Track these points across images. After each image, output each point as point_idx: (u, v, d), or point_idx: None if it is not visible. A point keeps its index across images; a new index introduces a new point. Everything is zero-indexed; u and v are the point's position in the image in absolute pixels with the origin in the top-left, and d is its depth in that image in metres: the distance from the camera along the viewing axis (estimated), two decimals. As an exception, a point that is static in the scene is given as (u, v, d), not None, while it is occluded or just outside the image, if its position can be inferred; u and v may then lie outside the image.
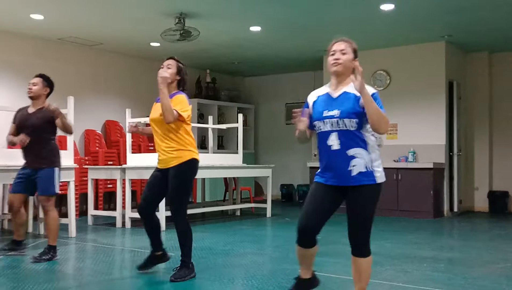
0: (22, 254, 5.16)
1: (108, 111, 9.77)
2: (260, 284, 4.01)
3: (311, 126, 3.16)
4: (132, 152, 7.86)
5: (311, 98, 3.21)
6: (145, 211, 4.18)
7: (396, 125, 9.36)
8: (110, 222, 7.57)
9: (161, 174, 4.12)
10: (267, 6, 7.04)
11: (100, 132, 9.52)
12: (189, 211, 7.61)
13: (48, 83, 5.16)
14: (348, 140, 2.96)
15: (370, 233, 3.07)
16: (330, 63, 3.09)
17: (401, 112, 9.27)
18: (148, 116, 9.24)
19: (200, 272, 4.34)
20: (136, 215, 7.39)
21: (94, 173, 7.69)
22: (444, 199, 8.98)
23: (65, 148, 6.60)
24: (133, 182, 8.62)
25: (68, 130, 5.12)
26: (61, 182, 7.43)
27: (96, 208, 8.13)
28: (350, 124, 2.95)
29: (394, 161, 9.09)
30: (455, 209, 9.22)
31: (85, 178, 8.15)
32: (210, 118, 9.05)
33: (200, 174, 7.69)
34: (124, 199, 7.33)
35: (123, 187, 7.39)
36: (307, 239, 3.18)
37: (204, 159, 7.99)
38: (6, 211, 7.05)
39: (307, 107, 3.20)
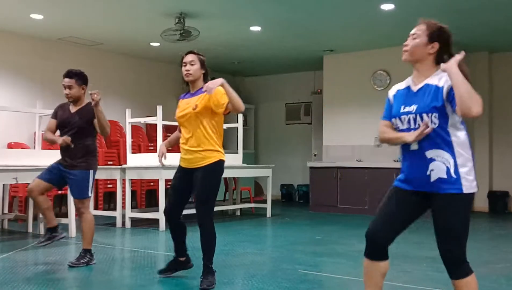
0: (62, 238, 4.91)
1: (108, 111, 9.69)
2: (260, 284, 4.01)
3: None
4: (132, 152, 7.86)
5: (391, 92, 2.75)
6: (172, 215, 4.01)
7: (396, 125, 9.35)
8: (110, 222, 7.57)
9: (185, 175, 3.93)
10: (267, 6, 7.04)
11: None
12: (189, 211, 7.62)
13: (82, 80, 4.83)
14: (427, 139, 2.47)
15: (464, 248, 2.50)
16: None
17: (401, 112, 9.27)
18: (148, 116, 9.22)
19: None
20: (136, 215, 7.45)
21: (94, 173, 7.68)
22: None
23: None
24: (133, 182, 8.62)
25: (103, 129, 4.82)
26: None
27: (96, 208, 8.12)
28: (429, 119, 2.46)
29: (394, 161, 9.09)
30: (455, 209, 9.21)
31: (85, 178, 8.13)
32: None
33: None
34: (124, 199, 7.33)
35: (123, 187, 7.39)
36: (375, 249, 2.62)
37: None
38: (6, 211, 7.05)
39: (389, 102, 2.74)
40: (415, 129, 2.51)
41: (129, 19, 7.69)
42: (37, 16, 7.45)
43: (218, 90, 3.86)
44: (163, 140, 7.17)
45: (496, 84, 9.86)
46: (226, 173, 8.39)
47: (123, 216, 7.31)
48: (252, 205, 9.16)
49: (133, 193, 8.81)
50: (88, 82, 4.90)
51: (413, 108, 2.54)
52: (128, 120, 7.75)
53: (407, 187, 2.59)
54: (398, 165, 8.87)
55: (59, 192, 8.06)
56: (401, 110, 2.59)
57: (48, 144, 5.17)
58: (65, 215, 6.86)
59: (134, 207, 8.66)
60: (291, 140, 12.11)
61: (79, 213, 4.78)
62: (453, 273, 2.52)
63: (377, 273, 2.63)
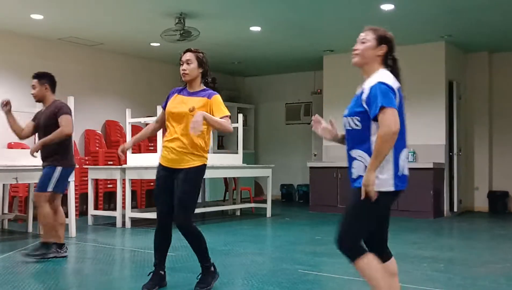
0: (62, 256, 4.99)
1: (108, 111, 9.77)
2: (260, 284, 4.01)
3: None
4: (132, 152, 7.87)
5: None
6: (166, 215, 3.76)
7: (396, 125, 9.35)
8: (110, 222, 7.57)
9: (168, 174, 3.78)
10: (267, 6, 7.04)
11: (100, 132, 9.52)
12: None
13: (44, 78, 5.10)
14: (351, 140, 2.71)
15: (351, 234, 2.67)
16: None
17: (401, 112, 9.26)
18: (148, 116, 9.22)
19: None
20: (136, 215, 7.45)
21: (94, 173, 7.69)
22: (444, 199, 8.98)
23: (65, 148, 6.60)
24: (133, 182, 8.62)
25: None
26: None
27: (96, 208, 8.13)
28: (354, 123, 2.68)
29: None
30: (455, 209, 9.22)
31: (85, 178, 8.15)
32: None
33: (200, 174, 7.72)
34: (124, 199, 7.33)
35: (123, 187, 7.39)
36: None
37: (204, 159, 8.00)
38: (6, 211, 7.06)
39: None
40: (347, 130, 2.73)
41: (129, 19, 7.69)
42: (37, 16, 7.45)
43: (220, 101, 3.81)
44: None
45: (496, 84, 9.86)
46: (226, 173, 8.49)
47: (123, 216, 7.32)
48: (252, 205, 9.16)
49: (133, 193, 8.81)
50: (54, 82, 5.18)
51: (346, 111, 2.76)
52: (128, 120, 7.75)
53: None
54: (398, 165, 8.87)
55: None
56: (345, 112, 2.77)
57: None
58: (65, 215, 6.85)
59: (134, 207, 8.66)
60: (291, 140, 12.11)
61: (35, 206, 5.02)
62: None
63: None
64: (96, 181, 8.40)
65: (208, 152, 3.92)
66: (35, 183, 6.54)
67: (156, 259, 3.83)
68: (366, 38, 2.78)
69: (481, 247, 5.99)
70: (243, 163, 8.57)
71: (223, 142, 12.05)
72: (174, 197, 3.71)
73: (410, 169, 2.76)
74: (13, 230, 6.97)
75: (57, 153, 4.93)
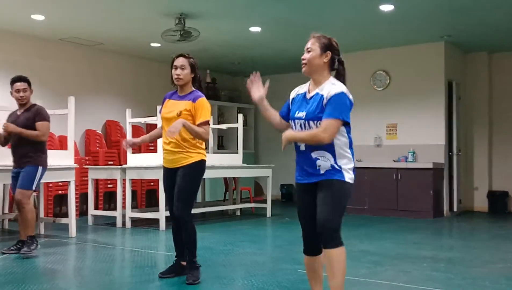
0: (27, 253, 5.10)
1: (108, 111, 9.78)
2: (260, 284, 4.02)
3: (287, 120, 3.16)
4: (132, 152, 7.87)
5: (292, 94, 3.17)
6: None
7: (395, 125, 9.37)
8: (110, 222, 7.58)
9: (171, 175, 4.06)
10: (267, 6, 7.04)
11: (100, 132, 9.53)
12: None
13: (30, 83, 5.32)
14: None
15: (338, 222, 2.90)
16: None
17: (401, 112, 9.28)
18: (148, 116, 9.22)
19: (206, 271, 4.35)
20: (136, 215, 7.45)
21: (95, 173, 7.70)
22: (443, 199, 8.98)
23: (66, 148, 6.62)
24: (133, 182, 8.62)
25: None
26: (61, 182, 7.49)
27: (96, 208, 8.13)
28: (315, 126, 2.87)
29: (394, 161, 9.10)
30: (455, 209, 9.23)
31: (85, 178, 8.16)
32: (210, 118, 9.04)
33: (200, 174, 7.72)
34: (124, 199, 7.33)
35: (123, 187, 7.39)
36: (310, 245, 3.08)
37: (204, 159, 8.00)
38: (6, 211, 7.06)
39: (288, 103, 3.19)
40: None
41: (129, 19, 7.70)
42: (38, 17, 7.46)
43: (203, 105, 4.01)
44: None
45: (496, 84, 9.87)
46: (226, 173, 8.50)
47: (123, 216, 7.32)
48: (252, 205, 9.17)
49: (133, 193, 8.82)
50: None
51: (303, 114, 2.93)
52: (128, 120, 7.75)
53: (303, 181, 3.01)
54: (397, 165, 8.88)
55: (59, 192, 8.08)
56: (295, 115, 3.00)
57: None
58: (66, 215, 6.87)
59: (134, 207, 8.67)
60: (291, 140, 12.09)
61: (20, 205, 5.09)
62: (325, 243, 2.89)
63: (318, 266, 3.11)
64: (96, 181, 8.41)
65: (206, 149, 4.12)
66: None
67: (176, 251, 4.20)
68: (311, 48, 2.96)
69: (481, 247, 6.00)
70: (243, 163, 8.57)
71: (223, 142, 12.06)
72: None
73: (410, 169, 2.91)
74: (13, 230, 6.97)
75: (37, 153, 5.16)
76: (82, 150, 9.25)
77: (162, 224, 6.92)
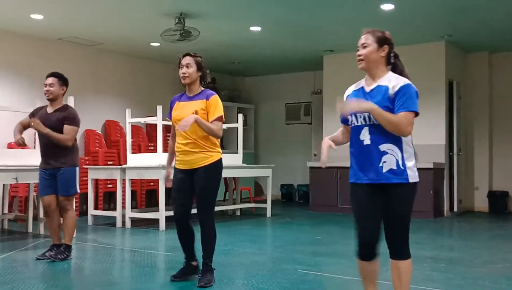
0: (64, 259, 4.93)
1: (108, 111, 9.77)
2: (260, 284, 4.01)
3: (345, 121, 2.99)
4: (132, 152, 7.87)
5: (346, 93, 3.04)
6: (182, 217, 3.97)
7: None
8: (110, 222, 7.57)
9: (186, 176, 3.93)
10: (267, 6, 7.04)
11: (100, 132, 9.52)
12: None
13: (64, 81, 5.05)
14: (379, 135, 2.76)
15: (407, 234, 2.82)
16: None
17: (401, 112, 9.27)
18: (148, 116, 9.20)
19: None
20: (136, 215, 7.44)
21: (94, 173, 7.69)
22: (444, 199, 8.98)
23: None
24: (133, 182, 8.61)
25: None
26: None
27: (96, 208, 8.13)
28: None
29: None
30: (455, 209, 9.22)
31: (85, 178, 8.14)
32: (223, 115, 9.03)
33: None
34: (124, 199, 7.33)
35: (123, 187, 7.38)
36: (367, 249, 2.91)
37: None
38: (6, 211, 7.06)
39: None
40: (369, 125, 2.77)
41: (129, 19, 7.69)
42: (37, 16, 7.45)
43: (216, 102, 3.97)
44: (163, 140, 7.18)
45: (496, 84, 9.86)
46: (226, 173, 8.48)
47: (123, 216, 7.31)
48: (252, 205, 9.16)
49: (133, 193, 8.81)
50: (68, 85, 5.10)
51: None
52: (128, 120, 7.75)
53: (362, 181, 2.82)
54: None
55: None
56: None
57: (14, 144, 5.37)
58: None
59: (134, 207, 8.66)
60: (291, 140, 12.11)
61: (63, 210, 4.92)
62: (395, 255, 2.82)
63: (372, 271, 2.95)
64: (96, 181, 8.40)
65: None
66: (35, 183, 6.57)
67: (184, 254, 4.10)
68: (367, 42, 2.87)
69: (481, 247, 5.99)
70: (243, 163, 8.57)
71: (223, 142, 12.05)
72: (190, 197, 3.96)
73: None
74: (13, 230, 6.97)
75: (71, 153, 4.93)
76: (82, 150, 9.23)
77: (162, 224, 6.91)
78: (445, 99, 9.02)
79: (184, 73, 3.96)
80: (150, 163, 7.15)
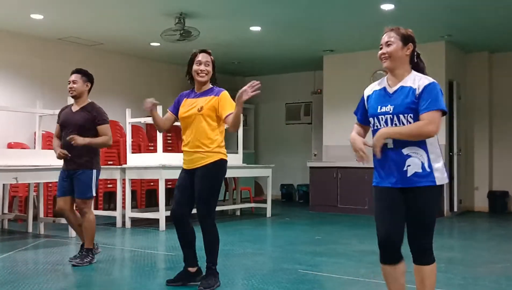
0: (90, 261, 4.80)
1: (108, 111, 9.66)
2: (260, 284, 4.01)
3: (367, 122, 2.91)
4: (132, 152, 7.86)
5: (367, 91, 2.92)
6: (179, 215, 3.89)
7: (396, 125, 9.36)
8: (110, 222, 7.57)
9: (187, 175, 3.90)
10: (267, 6, 7.04)
11: (100, 132, 9.50)
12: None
13: (88, 77, 4.90)
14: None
15: (432, 238, 2.75)
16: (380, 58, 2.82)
17: (401, 112, 9.27)
18: (148, 116, 9.19)
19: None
20: (136, 215, 7.44)
21: (94, 173, 7.67)
22: (444, 199, 8.97)
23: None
24: (133, 182, 8.61)
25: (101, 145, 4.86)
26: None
27: (96, 208, 8.11)
28: (405, 120, 2.67)
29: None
30: (455, 209, 9.22)
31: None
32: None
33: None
34: (124, 199, 7.33)
35: (123, 187, 7.38)
36: (389, 253, 2.81)
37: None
38: (6, 211, 7.06)
39: (363, 101, 2.94)
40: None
41: (129, 19, 7.69)
42: (37, 16, 7.45)
43: (227, 97, 3.92)
44: (163, 140, 7.18)
45: (496, 84, 9.86)
46: (226, 173, 8.46)
47: (123, 216, 7.31)
48: (252, 205, 9.16)
49: (133, 193, 8.80)
50: (93, 82, 4.97)
51: (389, 108, 2.72)
52: (128, 120, 7.75)
53: (385, 184, 2.75)
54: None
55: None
56: (378, 110, 2.77)
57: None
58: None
59: (134, 207, 8.66)
60: (291, 140, 12.11)
61: (81, 213, 4.77)
62: (420, 259, 2.74)
63: (398, 275, 2.80)
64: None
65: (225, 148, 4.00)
66: (35, 183, 6.57)
67: (183, 256, 3.98)
68: (391, 40, 2.79)
69: (481, 247, 5.99)
70: (243, 163, 8.57)
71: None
72: (190, 196, 3.86)
73: None
74: (13, 230, 6.97)
75: (90, 154, 4.78)
76: (82, 150, 9.22)
77: (162, 224, 6.91)
78: (445, 99, 9.00)
79: (203, 70, 3.90)
80: (150, 163, 7.15)
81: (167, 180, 7.30)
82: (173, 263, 4.64)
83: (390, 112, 2.71)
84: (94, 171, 4.78)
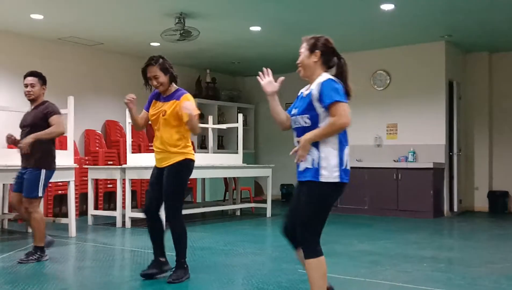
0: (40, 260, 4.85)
1: (108, 111, 9.77)
2: (260, 284, 4.02)
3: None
4: (132, 152, 7.86)
5: (299, 93, 3.19)
6: (149, 209, 4.17)
7: (396, 125, 9.36)
8: (110, 222, 7.57)
9: (158, 173, 4.15)
10: (267, 6, 7.04)
11: (100, 132, 9.52)
12: (189, 211, 7.61)
13: (44, 80, 5.00)
14: (301, 136, 2.93)
15: (313, 233, 2.96)
16: None
17: (401, 112, 9.28)
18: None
19: (200, 272, 4.35)
20: (136, 215, 7.44)
21: (94, 173, 7.69)
22: (444, 199, 8.98)
23: (65, 148, 6.61)
24: (133, 182, 8.62)
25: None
26: (61, 182, 7.46)
27: (96, 208, 8.13)
28: (303, 121, 2.93)
29: (394, 161, 9.09)
30: (455, 209, 9.22)
31: (85, 178, 8.15)
32: (210, 118, 9.05)
33: (200, 174, 7.72)
34: (124, 199, 7.33)
35: (123, 187, 7.38)
36: (289, 240, 3.19)
37: (204, 159, 7.99)
38: (6, 211, 7.06)
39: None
40: (297, 128, 2.99)
41: (129, 19, 7.69)
42: (37, 16, 7.45)
43: (187, 100, 4.09)
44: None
45: (496, 84, 9.86)
46: (226, 173, 8.50)
47: (123, 216, 7.31)
48: (252, 205, 9.16)
49: (133, 193, 8.81)
50: (46, 83, 5.04)
51: (296, 111, 3.01)
52: (128, 120, 7.74)
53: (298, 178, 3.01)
54: (398, 165, 8.88)
55: (59, 192, 8.07)
56: (292, 112, 3.07)
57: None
58: (65, 215, 6.87)
59: (134, 207, 8.66)
60: (291, 140, 12.04)
61: (27, 212, 4.82)
62: (303, 251, 3.00)
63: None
64: (96, 181, 8.40)
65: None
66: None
67: (153, 248, 4.23)
68: (301, 51, 3.04)
69: (481, 247, 5.99)
70: (243, 163, 8.57)
71: (223, 142, 12.05)
72: (160, 192, 4.10)
73: (410, 169, 2.87)
74: (13, 230, 6.97)
75: (41, 155, 4.81)
76: (82, 150, 9.24)
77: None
78: (445, 99, 9.01)
79: (157, 85, 4.18)
80: (150, 163, 7.13)
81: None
82: (173, 263, 4.64)
83: (296, 114, 2.99)
84: (43, 171, 4.81)
